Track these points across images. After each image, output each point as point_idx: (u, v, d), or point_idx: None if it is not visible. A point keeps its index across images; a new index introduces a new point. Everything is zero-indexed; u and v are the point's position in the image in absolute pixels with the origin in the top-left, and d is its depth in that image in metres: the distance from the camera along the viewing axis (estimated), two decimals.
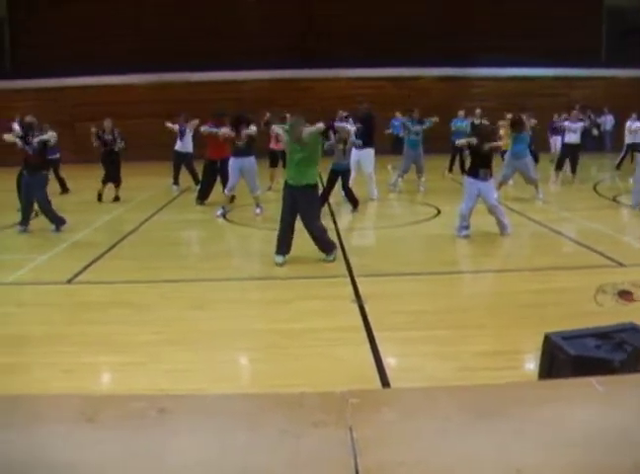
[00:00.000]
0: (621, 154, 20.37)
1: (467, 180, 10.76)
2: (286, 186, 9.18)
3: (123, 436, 2.58)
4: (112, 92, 26.92)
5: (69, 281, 8.53)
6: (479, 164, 10.52)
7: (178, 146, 16.95)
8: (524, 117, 15.86)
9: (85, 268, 9.21)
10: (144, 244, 11.09)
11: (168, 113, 25.58)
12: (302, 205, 9.00)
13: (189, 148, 16.90)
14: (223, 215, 13.10)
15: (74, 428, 2.64)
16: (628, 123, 19.81)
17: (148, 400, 2.96)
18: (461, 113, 20.28)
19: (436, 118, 16.94)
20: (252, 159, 12.94)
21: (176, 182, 17.42)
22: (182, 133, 16.83)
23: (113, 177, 15.41)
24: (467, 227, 10.62)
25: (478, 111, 20.29)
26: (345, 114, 15.90)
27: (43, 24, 27.26)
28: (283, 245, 9.19)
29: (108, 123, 15.54)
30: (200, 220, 13.20)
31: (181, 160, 17.01)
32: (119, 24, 27.07)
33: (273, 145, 16.68)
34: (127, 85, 27.56)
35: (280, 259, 9.15)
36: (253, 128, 12.83)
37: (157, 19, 27.54)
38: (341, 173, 13.34)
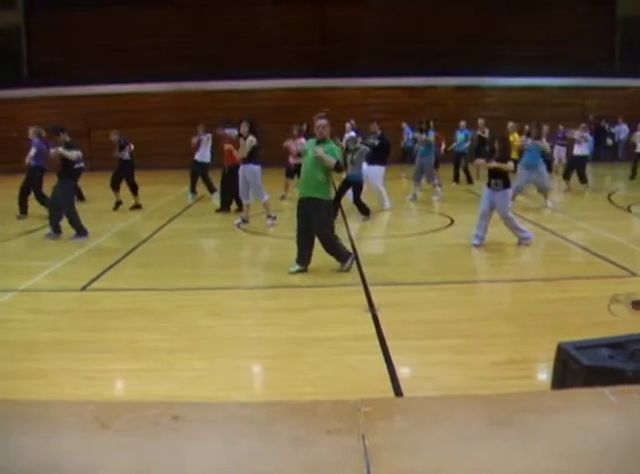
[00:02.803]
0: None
1: (484, 189, 10.81)
2: (299, 197, 9.27)
3: (138, 443, 2.59)
4: (128, 100, 27.08)
5: (84, 289, 8.57)
6: (490, 174, 10.52)
7: (197, 156, 17.02)
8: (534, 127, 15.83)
9: (100, 275, 9.25)
10: (159, 252, 11.12)
11: (184, 121, 25.78)
12: (311, 215, 9.01)
13: (205, 158, 16.94)
14: (239, 224, 13.14)
15: (89, 434, 2.66)
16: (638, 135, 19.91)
17: (162, 407, 2.98)
18: (463, 123, 20.27)
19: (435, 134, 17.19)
20: (252, 166, 12.93)
21: (193, 190, 17.50)
22: (199, 143, 16.90)
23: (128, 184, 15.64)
24: (479, 237, 10.61)
25: (481, 121, 20.29)
26: (354, 134, 15.99)
27: (60, 31, 27.48)
28: (300, 254, 9.22)
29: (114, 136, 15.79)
30: (215, 229, 13.23)
31: (197, 169, 17.09)
32: (136, 32, 27.25)
33: (291, 159, 16.72)
34: (144, 93, 27.71)
35: (293, 268, 9.18)
36: (252, 139, 12.82)
37: (175, 28, 27.73)
38: (352, 184, 13.36)
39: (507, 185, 10.46)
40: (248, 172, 12.87)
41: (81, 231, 11.78)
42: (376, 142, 14.62)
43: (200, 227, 13.45)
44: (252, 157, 12.84)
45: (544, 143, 14.87)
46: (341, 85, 27.83)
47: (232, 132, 14.20)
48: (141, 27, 27.46)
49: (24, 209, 14.41)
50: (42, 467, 2.40)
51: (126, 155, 15.61)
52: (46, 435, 2.63)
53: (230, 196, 14.69)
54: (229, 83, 27.29)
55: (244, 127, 12.71)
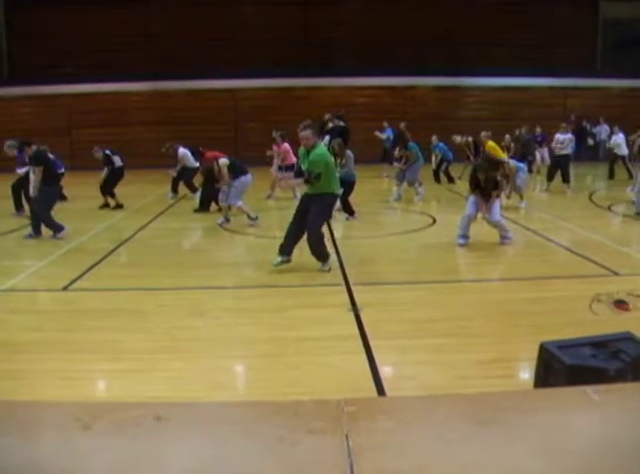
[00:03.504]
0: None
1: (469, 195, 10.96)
2: (304, 192, 9.37)
3: (120, 444, 2.58)
4: (110, 99, 26.96)
5: (65, 289, 8.52)
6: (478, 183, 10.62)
7: None
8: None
9: (81, 275, 9.20)
10: (141, 251, 11.09)
11: (165, 121, 25.70)
12: (313, 205, 9.02)
13: (191, 163, 16.81)
14: (222, 223, 13.12)
15: (70, 435, 2.64)
16: (613, 138, 20.20)
17: (145, 408, 2.97)
18: (434, 138, 20.07)
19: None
20: (242, 179, 13.02)
21: (174, 190, 17.44)
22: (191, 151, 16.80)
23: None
24: (464, 236, 10.66)
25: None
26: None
27: (41, 30, 27.29)
28: (284, 244, 9.22)
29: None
30: (198, 228, 13.21)
31: (183, 173, 16.99)
32: (116, 31, 27.10)
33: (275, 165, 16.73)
34: (126, 92, 27.60)
35: (275, 260, 9.20)
36: (223, 161, 12.96)
37: (155, 27, 27.62)
38: (346, 183, 13.36)
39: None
40: (238, 182, 12.89)
41: (57, 228, 11.71)
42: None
43: (183, 226, 13.42)
44: (236, 173, 12.86)
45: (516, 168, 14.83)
46: (323, 85, 27.83)
47: None
48: (124, 25, 27.31)
49: (19, 206, 14.54)
50: (23, 469, 2.38)
51: (118, 162, 15.55)
52: (27, 437, 2.61)
53: (211, 196, 14.65)
54: (212, 82, 27.22)
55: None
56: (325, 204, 9.16)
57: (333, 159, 9.99)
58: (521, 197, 15.02)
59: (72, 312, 7.57)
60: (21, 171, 14.09)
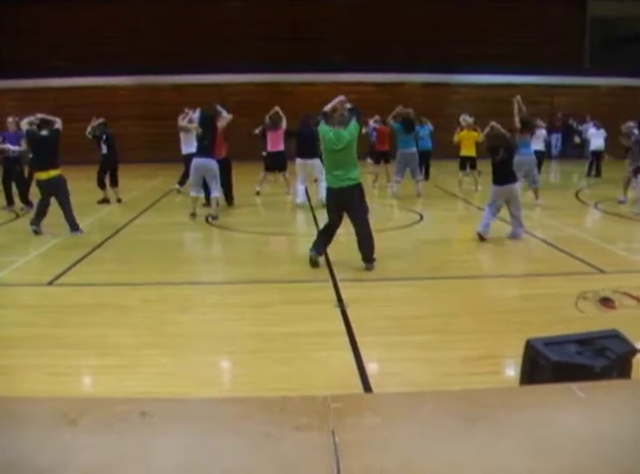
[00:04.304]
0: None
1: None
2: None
3: (106, 440, 2.57)
4: (97, 93, 26.82)
5: (50, 283, 8.48)
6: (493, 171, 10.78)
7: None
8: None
9: (67, 270, 9.16)
10: (127, 247, 11.04)
11: (152, 115, 25.60)
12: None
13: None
14: (212, 218, 13.14)
15: (57, 430, 2.63)
16: (590, 131, 20.23)
17: (131, 403, 2.96)
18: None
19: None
20: (214, 162, 13.01)
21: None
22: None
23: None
24: (487, 225, 10.80)
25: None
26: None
27: (28, 23, 27.14)
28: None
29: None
30: (184, 223, 13.14)
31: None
32: (104, 25, 27.01)
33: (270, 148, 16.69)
34: (112, 86, 27.50)
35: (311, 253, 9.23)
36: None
37: (142, 21, 27.52)
38: None
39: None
40: (210, 166, 12.90)
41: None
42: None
43: (169, 221, 13.37)
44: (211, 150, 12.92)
45: None
46: (311, 80, 27.82)
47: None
48: (111, 20, 27.22)
49: (10, 200, 14.65)
50: (8, 464, 2.37)
51: (104, 150, 15.48)
52: (13, 432, 2.60)
53: (227, 189, 14.66)
54: (199, 77, 27.17)
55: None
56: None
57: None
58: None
59: (58, 307, 7.53)
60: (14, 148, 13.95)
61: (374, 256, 9.09)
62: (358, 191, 8.95)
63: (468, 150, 17.42)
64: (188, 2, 27.34)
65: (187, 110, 16.23)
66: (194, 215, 13.20)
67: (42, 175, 11.43)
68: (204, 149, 12.79)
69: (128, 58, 26.83)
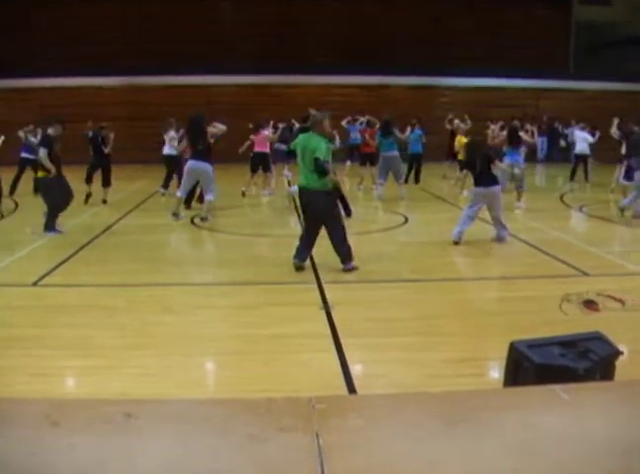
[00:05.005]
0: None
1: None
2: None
3: (90, 441, 2.56)
4: (83, 93, 26.71)
5: (35, 284, 8.45)
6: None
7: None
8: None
9: (52, 270, 9.12)
10: (113, 247, 11.00)
11: (139, 116, 25.53)
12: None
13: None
14: (201, 219, 13.14)
15: (39, 432, 2.62)
16: (576, 133, 20.27)
17: (115, 404, 2.95)
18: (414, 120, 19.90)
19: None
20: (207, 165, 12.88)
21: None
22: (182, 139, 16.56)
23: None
24: (461, 232, 10.80)
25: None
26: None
27: (13, 24, 26.98)
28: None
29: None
30: (170, 224, 13.10)
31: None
32: (92, 25, 26.89)
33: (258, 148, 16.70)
34: (98, 87, 27.38)
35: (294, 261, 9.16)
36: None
37: (130, 22, 27.45)
38: None
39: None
40: (206, 170, 12.82)
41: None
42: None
43: (155, 223, 13.33)
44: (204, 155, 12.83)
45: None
46: (298, 82, 27.84)
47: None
48: (97, 19, 27.09)
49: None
50: None
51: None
52: None
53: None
54: (186, 78, 27.09)
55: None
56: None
57: None
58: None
59: (42, 308, 7.51)
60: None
61: (352, 258, 9.07)
62: (323, 197, 8.89)
63: None
64: (176, 2, 27.28)
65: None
66: (176, 215, 13.15)
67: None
68: (200, 153, 12.75)
69: (115, 58, 26.73)
